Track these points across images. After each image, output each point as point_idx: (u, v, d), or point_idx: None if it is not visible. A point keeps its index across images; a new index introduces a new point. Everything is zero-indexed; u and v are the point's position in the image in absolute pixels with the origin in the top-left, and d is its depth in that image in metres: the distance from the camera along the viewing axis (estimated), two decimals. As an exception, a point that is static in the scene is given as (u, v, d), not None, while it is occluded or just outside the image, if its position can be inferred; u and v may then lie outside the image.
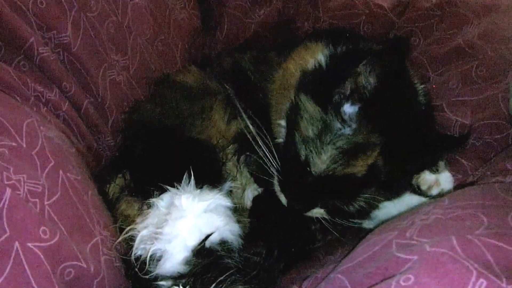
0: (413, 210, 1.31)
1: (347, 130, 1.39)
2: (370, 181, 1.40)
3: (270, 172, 1.54)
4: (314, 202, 1.46)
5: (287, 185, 1.49)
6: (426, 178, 1.59)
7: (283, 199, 1.51)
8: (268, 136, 1.53)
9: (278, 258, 1.46)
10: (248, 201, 1.63)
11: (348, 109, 1.39)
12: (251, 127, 1.55)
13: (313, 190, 1.43)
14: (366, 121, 1.37)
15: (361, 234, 1.32)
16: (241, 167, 1.61)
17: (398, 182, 1.49)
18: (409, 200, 1.51)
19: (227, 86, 1.70)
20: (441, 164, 1.64)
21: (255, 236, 1.45)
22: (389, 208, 1.51)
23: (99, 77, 1.69)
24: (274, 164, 1.51)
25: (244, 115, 1.57)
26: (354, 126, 1.38)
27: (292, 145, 1.47)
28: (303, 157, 1.43)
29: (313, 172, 1.41)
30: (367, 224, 1.54)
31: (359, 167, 1.38)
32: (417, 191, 1.59)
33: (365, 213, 1.50)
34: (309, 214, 1.51)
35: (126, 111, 1.81)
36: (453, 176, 1.62)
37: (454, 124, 1.76)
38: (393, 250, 1.05)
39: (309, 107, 1.46)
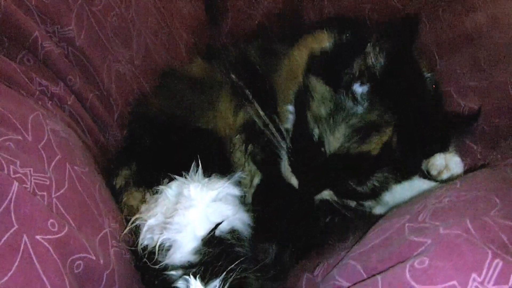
0: (424, 195, 1.29)
1: (360, 109, 1.38)
2: (384, 160, 1.39)
3: (278, 156, 1.54)
4: (327, 184, 1.45)
5: (298, 166, 1.48)
6: (436, 163, 1.58)
7: (294, 181, 1.49)
8: (277, 120, 1.53)
9: (288, 249, 1.47)
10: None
11: (358, 89, 1.39)
12: (259, 109, 1.54)
13: (325, 171, 1.42)
14: (377, 100, 1.36)
15: (372, 220, 1.31)
16: (249, 157, 1.59)
17: (411, 162, 1.47)
18: (419, 185, 1.50)
19: (233, 76, 1.68)
20: (451, 148, 1.63)
21: (262, 227, 1.44)
22: (399, 193, 1.50)
23: (104, 70, 1.68)
24: (285, 145, 1.51)
25: (251, 98, 1.55)
26: (366, 104, 1.37)
27: (303, 126, 1.46)
28: (316, 137, 1.42)
29: (326, 151, 1.40)
30: (377, 210, 1.53)
31: (374, 145, 1.37)
32: (427, 176, 1.58)
33: (374, 195, 1.49)
34: (318, 196, 1.50)
35: (132, 104, 1.80)
36: (462, 161, 1.61)
37: (462, 109, 1.74)
38: (406, 234, 1.04)
39: (320, 88, 1.45)
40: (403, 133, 1.38)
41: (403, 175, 1.48)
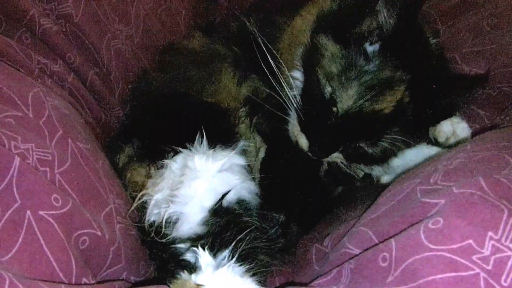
0: (433, 159, 1.27)
1: (371, 66, 1.36)
2: (396, 120, 1.38)
3: (284, 124, 1.54)
4: (337, 144, 1.42)
5: (309, 125, 1.45)
6: (443, 129, 1.57)
7: (303, 141, 1.47)
8: (284, 85, 1.51)
9: (296, 219, 1.46)
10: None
11: (369, 47, 1.37)
12: (267, 74, 1.53)
13: (337, 130, 1.40)
14: (389, 58, 1.35)
15: (380, 189, 1.29)
16: (254, 129, 1.57)
17: (422, 124, 1.45)
18: (427, 151, 1.48)
19: (235, 48, 1.67)
20: (457, 115, 1.61)
21: (270, 197, 1.43)
22: (407, 161, 1.48)
23: (103, 47, 1.67)
24: (295, 104, 1.49)
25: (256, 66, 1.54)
26: (377, 62, 1.35)
27: (314, 84, 1.44)
28: (327, 95, 1.40)
29: (339, 109, 1.38)
30: (385, 179, 1.52)
31: (387, 103, 1.35)
32: (434, 143, 1.56)
33: (384, 159, 1.49)
34: (327, 159, 1.48)
35: (133, 81, 1.79)
36: (470, 126, 1.58)
37: (469, 74, 1.72)
38: (418, 196, 1.02)
39: (330, 46, 1.43)
40: (416, 92, 1.37)
41: (414, 138, 1.46)
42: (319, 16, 1.55)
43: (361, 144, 1.41)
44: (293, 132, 1.51)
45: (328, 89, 1.40)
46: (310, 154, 1.47)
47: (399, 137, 1.40)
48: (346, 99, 1.36)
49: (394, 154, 1.46)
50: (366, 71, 1.36)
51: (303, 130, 1.47)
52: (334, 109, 1.38)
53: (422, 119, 1.43)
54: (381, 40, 1.35)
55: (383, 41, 1.35)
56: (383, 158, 1.47)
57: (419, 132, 1.48)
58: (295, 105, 1.48)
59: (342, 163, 1.50)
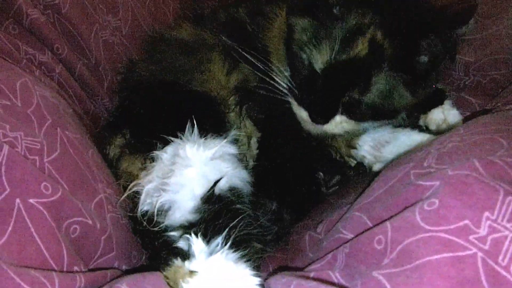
0: (426, 144, 1.27)
1: (338, 23, 1.39)
2: (376, 58, 1.38)
3: (277, 110, 1.54)
4: (333, 104, 1.43)
5: (303, 98, 1.47)
6: (434, 117, 1.58)
7: (304, 115, 1.48)
8: (275, 70, 1.54)
9: (288, 206, 1.45)
10: (254, 149, 1.59)
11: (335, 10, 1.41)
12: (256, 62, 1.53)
13: (326, 91, 1.42)
14: (354, 6, 1.38)
15: (373, 176, 1.29)
16: (244, 117, 1.57)
17: (409, 58, 1.43)
18: (418, 138, 1.47)
19: (223, 37, 1.66)
20: (448, 102, 1.62)
21: (263, 185, 1.42)
22: (398, 147, 1.47)
23: (92, 38, 1.66)
24: (288, 85, 1.51)
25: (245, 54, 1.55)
26: (344, 15, 1.39)
27: (295, 60, 1.47)
28: (306, 61, 1.43)
29: (317, 69, 1.41)
30: (377, 166, 1.51)
31: (360, 47, 1.36)
32: (426, 132, 1.55)
33: (390, 110, 1.48)
34: (332, 128, 1.48)
35: (121, 72, 1.78)
36: (461, 114, 1.59)
37: (458, 63, 1.74)
38: (412, 180, 1.01)
39: (300, 22, 1.48)
40: (388, 28, 1.37)
41: (413, 80, 1.45)
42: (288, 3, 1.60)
43: (354, 95, 1.41)
44: (295, 111, 1.52)
45: (304, 56, 1.43)
46: (313, 125, 1.48)
47: (392, 73, 1.40)
48: (321, 56, 1.39)
49: (397, 98, 1.45)
50: (334, 28, 1.38)
51: (300, 103, 1.48)
52: (315, 69, 1.41)
53: (404, 49, 1.41)
54: None
55: None
56: (390, 110, 1.48)
57: (415, 75, 1.45)
58: (288, 85, 1.50)
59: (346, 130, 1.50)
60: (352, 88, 1.40)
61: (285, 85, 1.51)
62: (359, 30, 1.36)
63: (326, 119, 1.45)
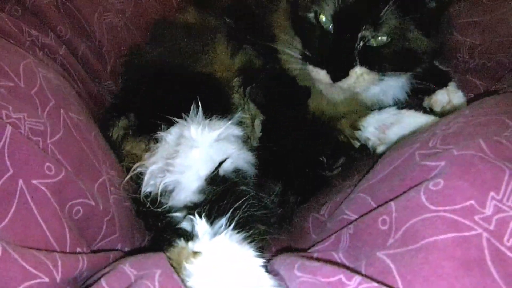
0: (431, 125, 1.26)
1: None
2: None
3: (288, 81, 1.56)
4: (351, 53, 1.41)
5: (319, 59, 1.46)
6: (439, 98, 1.58)
7: (323, 75, 1.46)
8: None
9: (293, 188, 1.45)
10: (258, 131, 1.59)
11: None
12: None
13: (341, 41, 1.40)
14: None
15: (377, 158, 1.28)
16: (248, 98, 1.57)
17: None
18: (423, 119, 1.46)
19: (228, 20, 1.67)
20: (452, 84, 1.62)
21: (267, 166, 1.42)
22: (403, 129, 1.46)
23: (95, 20, 1.66)
24: (299, 51, 1.52)
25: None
26: None
27: (303, 25, 1.49)
28: (313, 19, 1.44)
29: (327, 23, 1.41)
30: (381, 148, 1.50)
31: None
32: (430, 113, 1.55)
33: (405, 58, 1.47)
34: (353, 82, 1.45)
35: (125, 55, 1.78)
36: (466, 95, 1.59)
37: (463, 45, 1.72)
38: (417, 160, 1.00)
39: None
40: None
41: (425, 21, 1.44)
42: None
43: (367, 35, 1.38)
44: (314, 77, 1.51)
45: (311, 15, 1.44)
46: (334, 86, 1.48)
47: (403, 15, 1.37)
48: (327, 7, 1.38)
49: (417, 49, 1.45)
50: None
51: (317, 64, 1.46)
52: (325, 26, 1.41)
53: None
54: None
55: None
56: (409, 55, 1.46)
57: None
58: (301, 52, 1.51)
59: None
60: (364, 28, 1.37)
61: (297, 55, 1.51)
62: None
63: (346, 72, 1.42)
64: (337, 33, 1.40)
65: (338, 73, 1.42)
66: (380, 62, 1.43)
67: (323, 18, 1.40)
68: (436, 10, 1.42)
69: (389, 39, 1.39)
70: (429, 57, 1.52)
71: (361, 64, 1.41)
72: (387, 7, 1.33)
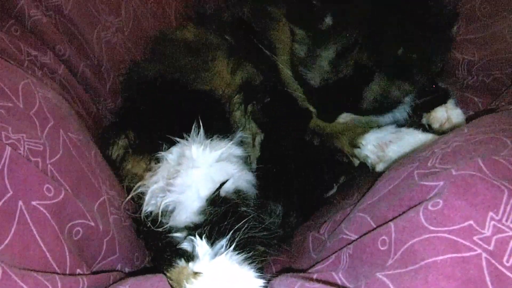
0: (429, 143, 1.26)
1: (328, 42, 1.40)
2: (364, 78, 1.41)
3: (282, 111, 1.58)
4: (337, 107, 1.48)
5: (309, 97, 1.52)
6: (438, 115, 1.59)
7: (313, 111, 1.55)
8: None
9: (295, 209, 1.46)
10: (258, 149, 1.60)
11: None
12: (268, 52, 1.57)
13: (327, 102, 1.48)
14: (339, 27, 1.39)
15: (376, 177, 1.28)
16: (249, 116, 1.58)
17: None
18: (422, 138, 1.47)
19: (228, 38, 1.68)
20: (451, 101, 1.62)
21: (268, 187, 1.42)
22: (401, 147, 1.47)
23: (94, 39, 1.65)
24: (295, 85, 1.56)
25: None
26: (331, 35, 1.40)
27: (296, 69, 1.53)
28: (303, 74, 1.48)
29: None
30: (380, 167, 1.50)
31: (346, 70, 1.39)
32: (429, 130, 1.56)
33: (388, 105, 1.51)
34: (340, 120, 1.52)
35: (124, 73, 1.78)
36: (464, 113, 1.59)
37: (461, 62, 1.73)
38: (415, 180, 1.00)
39: (297, 31, 1.50)
40: (372, 48, 1.38)
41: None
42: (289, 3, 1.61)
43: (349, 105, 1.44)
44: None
45: (302, 70, 1.47)
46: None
47: (385, 79, 1.41)
48: (313, 78, 1.45)
49: (400, 97, 1.49)
50: (324, 47, 1.41)
51: (310, 103, 1.53)
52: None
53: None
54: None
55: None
56: (393, 102, 1.50)
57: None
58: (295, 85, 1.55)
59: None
60: (347, 101, 1.43)
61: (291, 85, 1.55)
62: (345, 51, 1.37)
63: (333, 118, 1.49)
64: (321, 98, 1.47)
65: (326, 118, 1.51)
66: (364, 111, 1.49)
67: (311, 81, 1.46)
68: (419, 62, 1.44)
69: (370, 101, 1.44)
70: (417, 93, 1.57)
71: (347, 111, 1.48)
72: (368, 85, 1.39)
